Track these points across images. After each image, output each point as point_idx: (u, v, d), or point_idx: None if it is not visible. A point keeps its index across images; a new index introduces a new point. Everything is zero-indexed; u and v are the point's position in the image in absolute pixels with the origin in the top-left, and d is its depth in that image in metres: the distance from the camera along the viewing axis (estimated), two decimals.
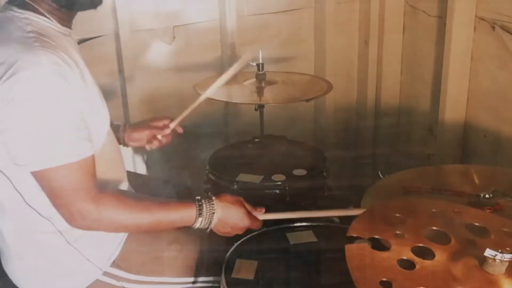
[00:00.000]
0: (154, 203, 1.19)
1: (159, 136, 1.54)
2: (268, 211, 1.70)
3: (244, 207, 1.28)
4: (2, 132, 1.04)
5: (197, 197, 1.22)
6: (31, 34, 1.07)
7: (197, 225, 1.21)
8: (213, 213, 1.22)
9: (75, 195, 1.08)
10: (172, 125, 1.56)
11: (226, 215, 1.24)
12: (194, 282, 1.37)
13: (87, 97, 1.13)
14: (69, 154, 1.06)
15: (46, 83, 1.02)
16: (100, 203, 1.10)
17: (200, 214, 1.20)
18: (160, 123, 1.56)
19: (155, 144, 1.55)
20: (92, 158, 1.11)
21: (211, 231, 1.25)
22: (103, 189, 1.14)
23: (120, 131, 1.53)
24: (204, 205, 1.21)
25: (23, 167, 1.05)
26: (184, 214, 1.20)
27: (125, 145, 1.54)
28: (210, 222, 1.22)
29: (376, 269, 0.92)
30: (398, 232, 1.03)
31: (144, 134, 1.55)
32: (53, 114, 1.04)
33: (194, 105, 1.58)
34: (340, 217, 1.90)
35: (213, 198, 1.24)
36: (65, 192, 1.08)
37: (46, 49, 1.04)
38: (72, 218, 1.11)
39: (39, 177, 1.07)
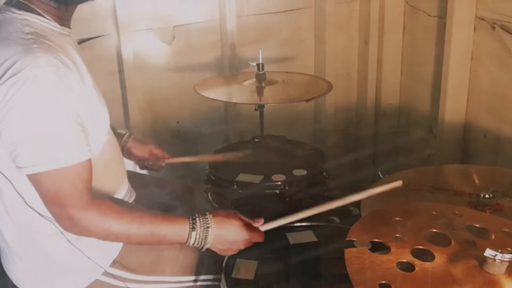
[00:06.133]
0: (147, 214, 1.15)
1: (152, 161, 1.60)
2: (267, 211, 1.71)
3: (240, 219, 1.21)
4: (1, 134, 1.04)
5: (191, 214, 1.19)
6: (30, 36, 1.06)
7: (192, 240, 1.16)
8: (208, 227, 1.17)
9: (67, 200, 1.07)
10: (168, 161, 1.63)
11: (222, 230, 1.18)
12: (195, 281, 1.37)
13: (85, 98, 1.13)
14: (64, 158, 1.05)
15: (44, 85, 1.02)
16: (91, 210, 1.09)
17: (193, 228, 1.15)
18: (160, 154, 1.62)
19: (145, 166, 1.62)
20: (89, 162, 1.10)
21: None
22: (97, 195, 1.13)
23: (123, 141, 1.54)
24: (198, 220, 1.16)
25: (20, 169, 1.05)
26: (177, 228, 1.15)
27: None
28: (206, 238, 1.16)
29: (375, 272, 0.92)
30: (398, 235, 1.03)
31: (142, 154, 1.59)
32: (50, 116, 1.03)
33: (195, 158, 1.70)
34: (340, 216, 1.91)
35: (207, 213, 1.19)
36: (57, 197, 1.07)
37: (44, 50, 1.04)
38: (63, 223, 1.10)
39: (34, 179, 1.06)
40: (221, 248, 1.21)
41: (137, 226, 1.13)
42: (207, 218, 1.18)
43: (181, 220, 1.16)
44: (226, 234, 1.19)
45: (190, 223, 1.16)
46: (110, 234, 1.13)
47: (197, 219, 1.17)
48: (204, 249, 1.19)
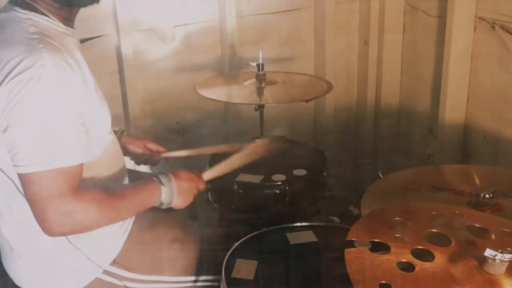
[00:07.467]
0: (124, 187, 1.29)
1: (147, 156, 1.62)
2: (267, 211, 1.71)
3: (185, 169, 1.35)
4: (5, 131, 1.04)
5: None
6: (35, 36, 1.07)
7: (163, 196, 1.24)
8: (170, 180, 1.26)
9: (60, 197, 1.05)
10: (164, 155, 1.63)
11: (180, 180, 1.28)
12: (194, 281, 1.37)
13: (87, 99, 1.13)
14: (67, 157, 1.05)
15: (48, 85, 1.02)
16: (80, 200, 1.08)
17: (161, 183, 1.24)
18: (155, 148, 1.62)
19: (140, 161, 1.63)
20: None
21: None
22: (83, 188, 1.12)
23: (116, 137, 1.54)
24: (160, 177, 1.26)
25: (18, 168, 1.04)
26: (150, 188, 1.24)
27: None
28: (172, 190, 1.25)
29: (375, 272, 0.92)
30: (398, 235, 1.04)
31: (137, 150, 1.60)
32: (53, 116, 1.04)
33: (191, 151, 1.68)
34: (340, 216, 1.91)
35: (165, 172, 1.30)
36: (51, 195, 1.05)
37: (50, 50, 1.04)
38: (52, 221, 1.06)
39: (31, 177, 1.04)
40: (181, 198, 1.29)
41: (126, 201, 1.19)
42: (167, 174, 1.27)
43: (150, 182, 1.25)
44: (183, 183, 1.29)
45: (157, 181, 1.25)
46: (103, 217, 1.13)
47: (160, 177, 1.26)
48: (171, 205, 1.27)
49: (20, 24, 1.09)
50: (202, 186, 1.37)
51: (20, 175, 1.06)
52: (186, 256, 1.36)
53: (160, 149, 1.63)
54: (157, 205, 1.25)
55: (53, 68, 1.03)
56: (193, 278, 1.37)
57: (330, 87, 1.96)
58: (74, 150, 1.07)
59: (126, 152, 1.59)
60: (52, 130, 1.04)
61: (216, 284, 1.36)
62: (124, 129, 1.60)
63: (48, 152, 1.03)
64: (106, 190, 1.18)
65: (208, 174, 1.41)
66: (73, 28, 1.21)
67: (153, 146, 1.62)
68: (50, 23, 1.13)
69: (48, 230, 1.08)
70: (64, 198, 1.06)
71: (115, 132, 1.54)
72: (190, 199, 1.32)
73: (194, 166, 1.94)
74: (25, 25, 1.09)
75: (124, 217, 1.27)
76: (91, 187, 1.16)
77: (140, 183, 1.26)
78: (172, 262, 1.34)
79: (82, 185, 1.12)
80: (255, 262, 1.32)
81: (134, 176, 1.50)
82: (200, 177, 1.37)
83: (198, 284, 1.38)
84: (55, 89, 1.03)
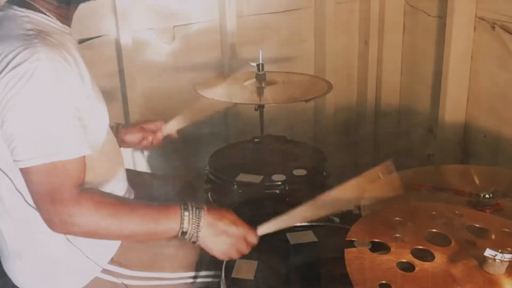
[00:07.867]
0: (137, 203, 1.17)
1: (149, 138, 1.56)
2: (267, 211, 1.71)
3: (235, 214, 1.19)
4: (1, 127, 1.05)
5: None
6: (31, 32, 1.07)
7: (185, 224, 1.13)
8: (199, 209, 1.14)
9: (61, 194, 1.06)
10: (164, 129, 1.58)
11: (215, 216, 1.16)
12: (194, 277, 1.36)
13: (84, 95, 1.13)
14: (63, 151, 1.05)
15: (43, 79, 1.02)
16: (84, 204, 1.07)
17: (185, 208, 1.14)
18: (153, 126, 1.58)
19: (144, 146, 1.58)
20: (83, 158, 1.10)
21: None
22: (86, 188, 1.11)
23: (114, 132, 1.53)
24: (189, 203, 1.15)
25: (17, 163, 1.04)
26: (169, 210, 1.14)
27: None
28: (199, 220, 1.13)
29: (375, 272, 0.92)
30: (398, 235, 1.04)
31: (136, 137, 1.56)
32: (49, 110, 1.03)
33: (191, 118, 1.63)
34: (340, 216, 1.91)
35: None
36: (51, 191, 1.05)
37: (45, 45, 1.04)
38: (54, 220, 1.07)
39: (29, 172, 1.05)
40: (215, 236, 1.16)
41: (127, 215, 1.11)
42: (198, 204, 1.16)
43: (172, 205, 1.15)
44: (219, 220, 1.17)
45: (181, 206, 1.14)
46: (101, 228, 1.11)
47: (189, 203, 1.15)
48: (198, 240, 1.15)
49: (17, 21, 1.09)
50: (252, 238, 1.19)
51: (21, 171, 1.06)
52: (185, 253, 1.36)
53: (158, 123, 1.59)
54: (180, 233, 1.14)
55: (48, 62, 1.03)
56: (192, 273, 1.36)
57: (330, 87, 1.96)
58: (72, 143, 1.06)
59: (126, 143, 1.56)
60: (48, 123, 1.03)
61: (216, 280, 1.36)
62: (119, 123, 1.57)
63: (45, 146, 1.03)
64: (109, 195, 1.18)
65: (265, 229, 1.22)
66: (70, 27, 1.21)
67: (150, 125, 1.59)
68: (47, 21, 1.13)
69: (51, 225, 1.09)
70: (65, 194, 1.06)
71: (112, 128, 1.53)
72: (228, 248, 1.17)
73: (193, 166, 1.95)
74: (21, 22, 1.09)
75: (127, 228, 1.12)
76: (90, 189, 1.16)
77: (159, 203, 1.16)
78: (170, 259, 1.34)
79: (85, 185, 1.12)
80: (255, 262, 1.31)
81: (134, 175, 1.50)
82: (252, 229, 1.20)
83: (198, 280, 1.37)
84: (50, 83, 1.03)
